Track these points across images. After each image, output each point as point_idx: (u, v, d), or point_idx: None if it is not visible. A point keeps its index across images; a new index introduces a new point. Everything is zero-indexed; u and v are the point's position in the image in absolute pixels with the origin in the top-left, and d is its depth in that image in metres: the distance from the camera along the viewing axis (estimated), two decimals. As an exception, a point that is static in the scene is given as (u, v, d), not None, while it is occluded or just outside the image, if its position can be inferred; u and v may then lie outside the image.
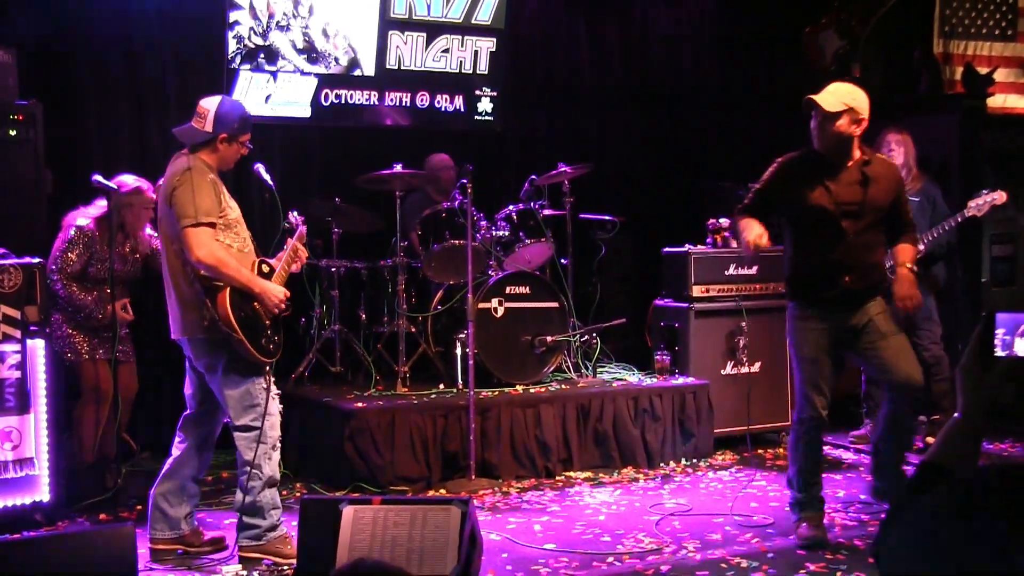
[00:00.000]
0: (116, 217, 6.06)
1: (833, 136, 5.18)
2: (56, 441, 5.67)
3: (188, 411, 5.27)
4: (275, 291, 5.04)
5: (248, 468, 5.01)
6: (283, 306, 5.07)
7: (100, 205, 6.16)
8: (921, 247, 6.45)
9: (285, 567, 4.91)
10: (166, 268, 5.10)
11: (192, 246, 4.86)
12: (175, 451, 5.26)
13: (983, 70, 8.65)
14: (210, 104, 5.07)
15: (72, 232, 6.12)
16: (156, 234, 6.20)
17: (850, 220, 5.22)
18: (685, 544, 5.37)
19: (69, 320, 6.18)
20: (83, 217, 6.19)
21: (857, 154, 5.27)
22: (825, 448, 7.39)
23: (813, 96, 5.18)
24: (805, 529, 5.33)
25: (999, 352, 1.99)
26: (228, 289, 4.90)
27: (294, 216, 5.50)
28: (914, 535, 1.74)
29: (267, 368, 5.05)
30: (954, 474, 1.91)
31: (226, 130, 5.03)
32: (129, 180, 6.19)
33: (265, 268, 5.14)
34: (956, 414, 2.00)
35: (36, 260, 5.74)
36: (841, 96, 5.18)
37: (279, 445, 5.15)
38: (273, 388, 5.08)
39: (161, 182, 5.13)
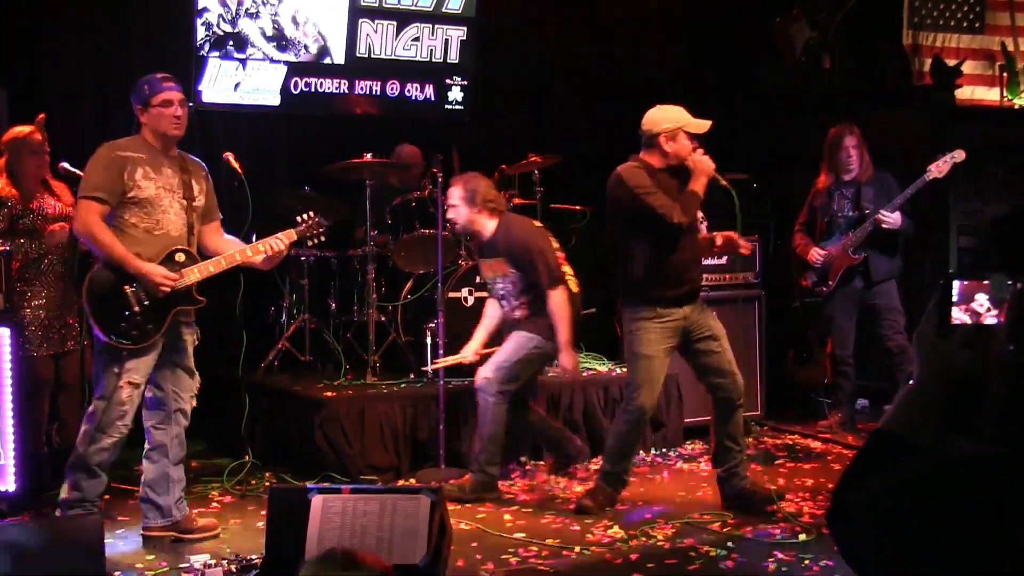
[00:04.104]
0: (19, 170, 5.97)
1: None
2: (21, 430, 5.58)
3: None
4: (153, 273, 4.97)
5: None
6: (166, 289, 4.99)
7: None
8: (895, 218, 6.99)
9: (249, 558, 4.76)
10: None
11: (74, 216, 5.16)
12: (147, 443, 5.27)
13: (951, 62, 8.69)
14: None
15: None
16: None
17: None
18: (654, 533, 5.39)
19: (27, 301, 6.05)
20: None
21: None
22: (794, 437, 7.50)
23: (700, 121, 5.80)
24: (587, 499, 5.75)
25: (956, 319, 1.96)
26: (99, 264, 5.02)
27: (306, 216, 5.56)
28: (878, 506, 1.74)
29: (124, 352, 4.99)
30: (913, 445, 1.90)
31: (138, 101, 5.16)
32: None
33: (180, 257, 5.11)
34: (911, 382, 1.99)
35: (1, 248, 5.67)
36: None
37: (117, 436, 5.08)
38: (130, 375, 5.01)
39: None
